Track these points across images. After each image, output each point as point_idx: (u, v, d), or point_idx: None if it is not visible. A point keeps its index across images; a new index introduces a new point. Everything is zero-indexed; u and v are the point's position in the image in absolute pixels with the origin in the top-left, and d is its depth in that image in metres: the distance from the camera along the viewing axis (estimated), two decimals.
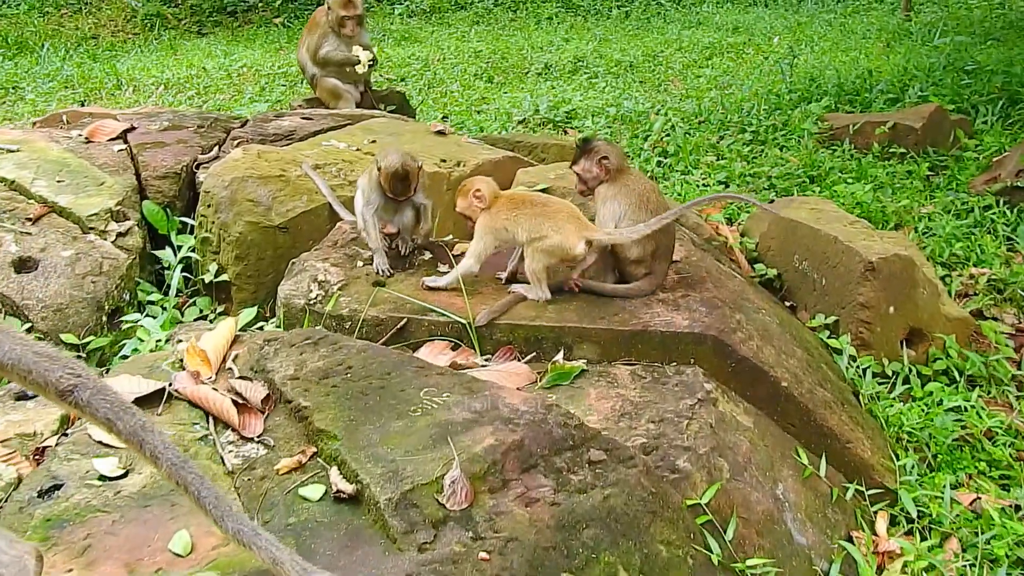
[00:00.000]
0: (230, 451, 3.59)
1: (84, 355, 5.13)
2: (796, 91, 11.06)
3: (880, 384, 5.16)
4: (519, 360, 4.50)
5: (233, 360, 4.17)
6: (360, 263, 5.07)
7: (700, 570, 3.37)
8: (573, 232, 4.47)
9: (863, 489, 4.32)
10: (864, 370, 5.19)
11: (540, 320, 4.53)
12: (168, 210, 6.20)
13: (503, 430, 3.49)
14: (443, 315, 4.57)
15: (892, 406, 4.95)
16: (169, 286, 5.76)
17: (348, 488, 3.26)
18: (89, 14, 16.93)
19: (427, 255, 5.16)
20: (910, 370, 5.28)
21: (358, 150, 6.44)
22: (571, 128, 10.55)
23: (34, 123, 7.83)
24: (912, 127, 8.84)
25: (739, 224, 6.86)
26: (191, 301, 5.81)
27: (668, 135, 9.96)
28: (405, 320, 4.63)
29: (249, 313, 4.95)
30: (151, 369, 4.11)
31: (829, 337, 5.46)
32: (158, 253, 5.92)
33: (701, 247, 5.64)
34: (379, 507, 3.13)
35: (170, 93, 12.66)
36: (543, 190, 5.90)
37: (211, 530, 3.06)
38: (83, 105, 11.53)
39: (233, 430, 3.69)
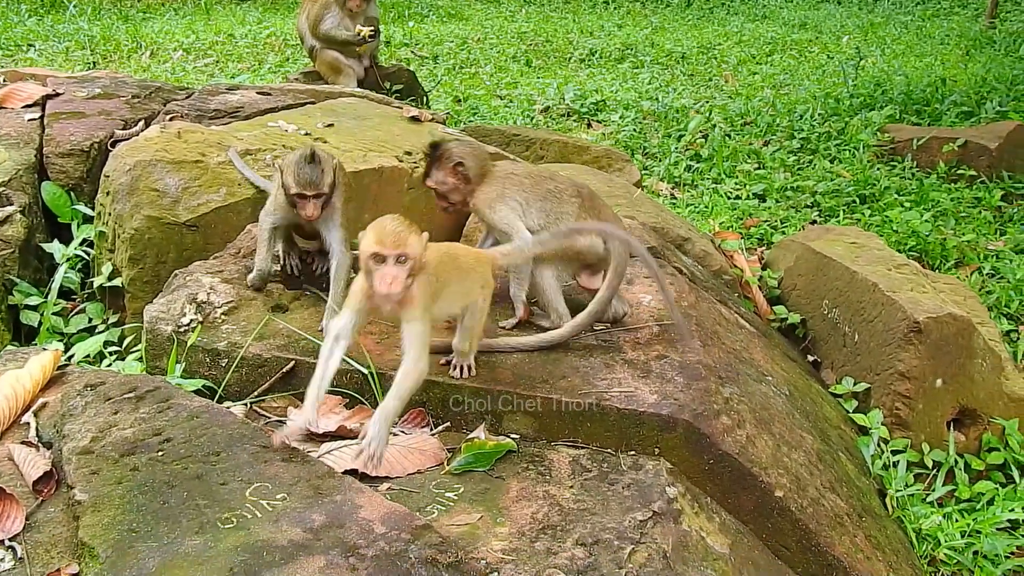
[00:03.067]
0: None
1: None
2: (858, 96, 9.82)
3: (915, 478, 3.97)
4: (430, 429, 3.40)
5: (36, 411, 3.13)
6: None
7: None
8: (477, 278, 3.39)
9: None
10: (896, 461, 4.00)
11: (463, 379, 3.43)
12: (72, 194, 5.19)
13: (339, 566, 2.39)
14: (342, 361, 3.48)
15: (928, 515, 3.76)
16: (51, 289, 4.74)
17: None
18: None
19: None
20: (956, 461, 4.10)
21: (307, 134, 5.36)
22: (597, 121, 9.40)
23: None
24: (986, 146, 7.55)
25: (761, 252, 5.66)
26: (80, 308, 4.80)
27: (705, 136, 8.77)
28: (293, 363, 3.57)
29: (94, 343, 3.92)
30: None
31: (856, 410, 4.28)
32: (47, 247, 4.90)
33: (704, 284, 4.48)
34: None
35: (188, 59, 11.78)
36: None
37: None
38: (93, 67, 10.69)
39: None
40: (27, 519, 2.65)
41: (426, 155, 3.91)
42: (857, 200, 7.28)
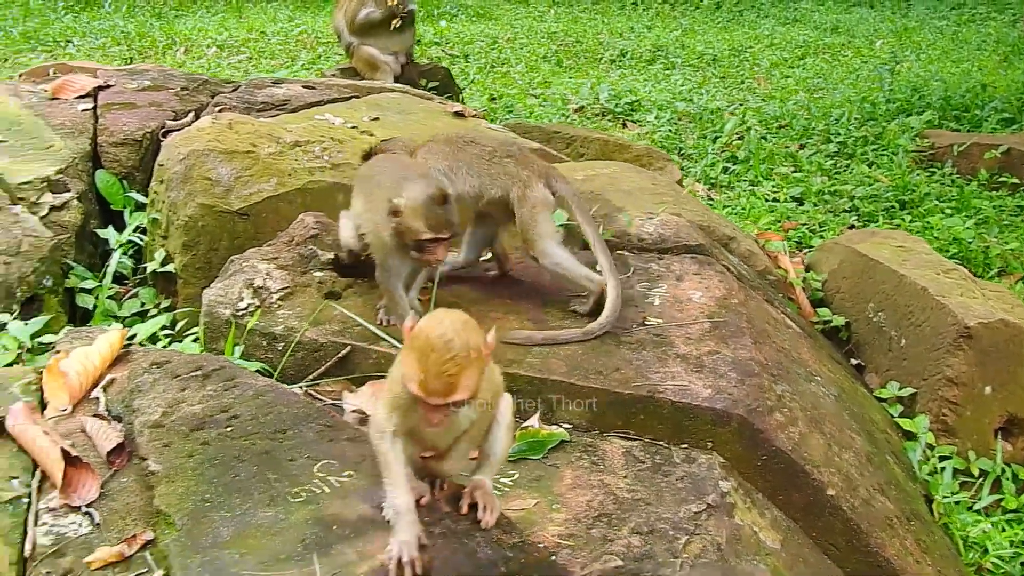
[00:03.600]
0: (43, 524, 2.61)
1: None
2: (895, 101, 9.79)
3: (961, 486, 3.98)
4: None
5: (105, 386, 3.20)
6: (316, 270, 4.08)
7: None
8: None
9: None
10: (942, 468, 4.00)
11: (516, 367, 3.47)
12: (125, 183, 5.28)
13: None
14: (398, 346, 3.54)
15: (976, 524, 3.77)
16: (107, 273, 4.82)
17: None
18: None
19: None
20: (1003, 470, 4.09)
21: (354, 127, 5.43)
22: (632, 121, 9.42)
23: (20, 75, 6.98)
24: None
25: (804, 255, 5.67)
26: (133, 292, 4.88)
27: (741, 138, 8.78)
28: (349, 348, 3.62)
29: (154, 324, 3.99)
30: None
31: (902, 415, 4.29)
32: (102, 233, 4.99)
33: (751, 283, 4.50)
34: None
35: (223, 55, 11.89)
36: None
37: None
38: (131, 62, 10.81)
39: (59, 493, 2.71)
40: (101, 488, 2.72)
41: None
42: (897, 205, 7.26)
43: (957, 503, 3.88)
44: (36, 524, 2.61)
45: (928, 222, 6.71)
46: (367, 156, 3.91)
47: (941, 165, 8.07)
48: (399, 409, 2.41)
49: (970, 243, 6.24)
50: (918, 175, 7.87)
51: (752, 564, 2.93)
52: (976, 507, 3.90)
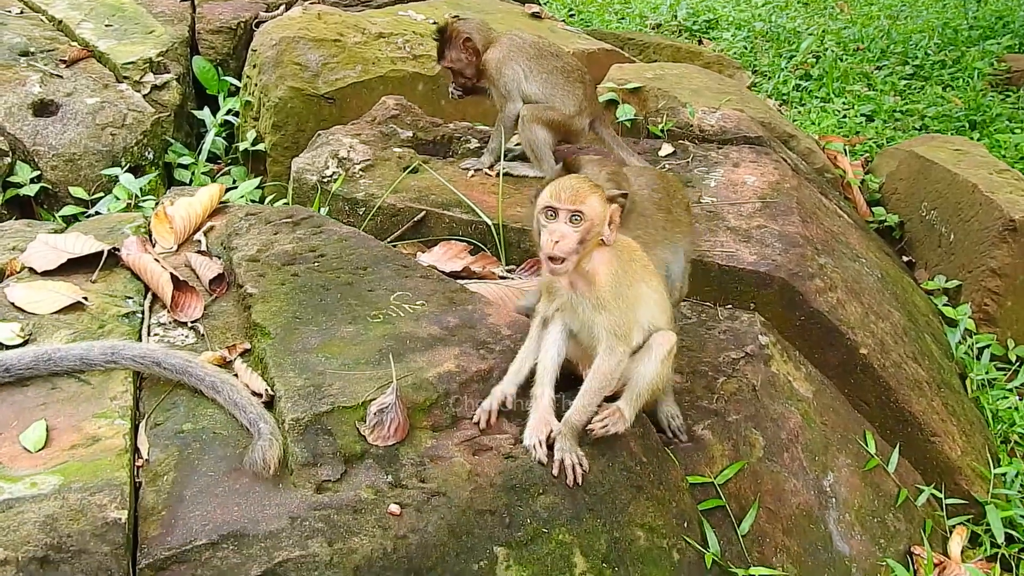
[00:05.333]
0: (155, 334, 3.00)
1: (92, 211, 4.66)
2: (978, 28, 9.65)
3: (998, 370, 4.17)
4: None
5: (206, 232, 3.57)
6: (396, 147, 4.39)
7: (687, 569, 2.60)
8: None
9: (941, 496, 3.42)
10: (981, 350, 4.20)
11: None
12: (220, 69, 5.64)
13: (471, 355, 2.78)
14: (470, 212, 3.86)
15: (1006, 398, 3.98)
16: (202, 150, 5.21)
17: (260, 386, 2.63)
18: None
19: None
20: None
21: (435, 23, 5.67)
22: (708, 39, 9.49)
23: None
24: None
25: (865, 158, 5.82)
26: (225, 169, 5.26)
27: (817, 58, 8.80)
28: (424, 212, 3.94)
29: (249, 185, 4.35)
30: (111, 230, 3.56)
31: (945, 304, 4.48)
32: (198, 113, 5.37)
33: (806, 176, 4.70)
34: (284, 427, 2.49)
35: None
36: (634, 90, 5.07)
37: (78, 426, 2.50)
38: None
39: (168, 311, 3.09)
40: (204, 309, 3.10)
41: (436, 39, 4.17)
42: (967, 125, 7.29)
43: (992, 383, 4.08)
44: (148, 335, 3.00)
45: (997, 140, 6.75)
46: (442, 31, 4.15)
47: (1016, 89, 8.02)
48: (547, 291, 2.66)
49: None
50: (992, 97, 7.85)
51: (784, 407, 3.22)
52: (1010, 387, 4.08)
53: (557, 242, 2.41)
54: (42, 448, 2.42)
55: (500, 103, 4.08)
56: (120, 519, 2.17)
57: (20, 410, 2.56)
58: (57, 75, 5.06)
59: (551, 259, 2.44)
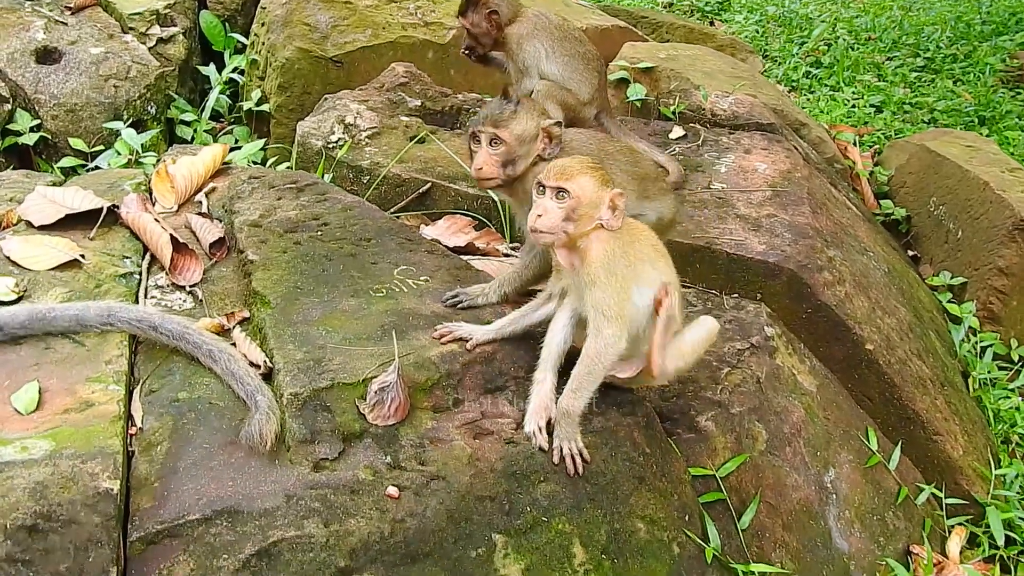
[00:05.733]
0: (152, 297, 2.94)
1: (91, 165, 4.57)
2: (991, 23, 9.57)
3: (1000, 370, 4.14)
4: None
5: (207, 193, 3.50)
6: (404, 115, 4.31)
7: (686, 563, 2.56)
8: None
9: (941, 495, 3.39)
10: (984, 348, 4.17)
11: None
12: (227, 25, 5.53)
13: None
14: (476, 186, 3.78)
15: (1008, 398, 3.95)
16: (206, 107, 5.12)
17: (259, 357, 2.57)
18: None
19: None
20: None
21: None
22: (720, 20, 9.39)
23: None
24: None
25: (875, 150, 5.75)
26: (228, 128, 5.18)
27: (828, 46, 8.72)
28: (429, 184, 3.87)
29: (253, 146, 4.27)
30: (111, 187, 3.48)
31: (950, 301, 4.44)
32: (203, 70, 5.27)
33: (816, 165, 4.64)
34: (283, 402, 2.43)
35: None
36: (646, 70, 4.99)
37: (72, 389, 2.44)
38: None
39: (166, 273, 3.03)
40: (203, 274, 3.03)
41: None
42: (976, 120, 7.23)
43: (994, 382, 4.05)
44: (145, 297, 2.94)
45: (1006, 136, 6.70)
46: None
47: None
48: (556, 270, 2.68)
49: None
50: (1002, 94, 7.79)
51: (788, 400, 3.17)
52: (1012, 387, 4.05)
53: (540, 215, 2.47)
54: (34, 411, 2.36)
55: (516, 77, 3.99)
56: (112, 489, 2.12)
57: (12, 370, 2.50)
58: (62, 22, 4.96)
59: (533, 231, 2.50)
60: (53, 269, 2.92)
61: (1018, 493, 3.55)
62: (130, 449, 2.32)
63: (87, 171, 4.32)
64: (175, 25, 5.21)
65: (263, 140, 4.62)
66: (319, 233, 3.15)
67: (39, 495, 2.07)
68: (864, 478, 3.25)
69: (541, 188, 2.51)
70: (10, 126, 4.58)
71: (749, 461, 2.94)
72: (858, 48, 8.75)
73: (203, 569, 2.08)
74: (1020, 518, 3.42)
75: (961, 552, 3.28)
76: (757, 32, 8.96)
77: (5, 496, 2.05)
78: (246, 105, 5.06)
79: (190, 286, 2.98)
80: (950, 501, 3.40)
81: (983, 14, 9.84)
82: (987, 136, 6.84)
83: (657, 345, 2.54)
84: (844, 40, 8.83)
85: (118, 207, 3.24)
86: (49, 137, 4.64)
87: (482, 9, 3.91)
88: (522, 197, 2.88)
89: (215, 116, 5.24)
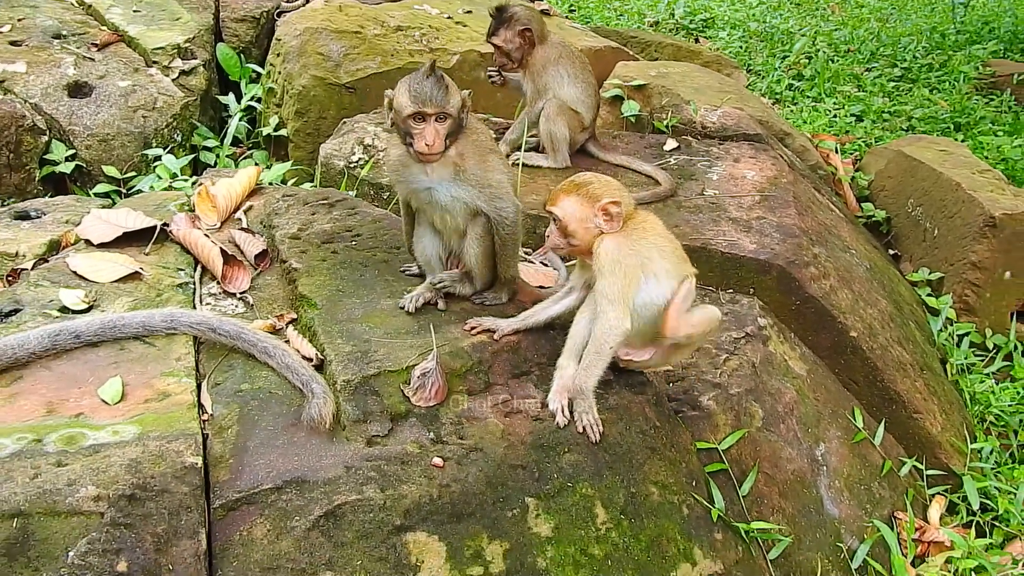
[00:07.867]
0: (207, 303, 3.26)
1: (123, 191, 4.90)
2: (965, 33, 9.99)
3: (976, 356, 4.48)
4: (563, 260, 4.02)
5: (245, 211, 3.83)
6: None
7: (695, 523, 2.89)
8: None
9: (922, 467, 3.73)
10: (960, 337, 4.51)
11: None
12: (243, 56, 5.87)
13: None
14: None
15: (983, 382, 4.28)
16: (227, 134, 5.45)
17: (310, 352, 2.90)
18: None
19: None
20: (1016, 347, 4.57)
21: (449, 18, 5.96)
22: (704, 37, 9.78)
23: None
24: None
25: (855, 156, 6.12)
26: (248, 153, 5.51)
27: (809, 59, 9.12)
28: None
29: (281, 168, 4.61)
30: (157, 207, 3.81)
31: (929, 295, 4.78)
32: (222, 99, 5.61)
33: (801, 172, 4.99)
34: (336, 388, 2.75)
35: None
36: (639, 87, 5.34)
37: (149, 383, 2.76)
38: None
39: (218, 282, 3.36)
40: (251, 282, 3.36)
41: (492, 15, 4.40)
42: (952, 127, 7.60)
43: (971, 368, 4.38)
44: (201, 303, 3.26)
45: (980, 141, 7.06)
46: (500, 10, 4.34)
47: (1000, 93, 8.34)
48: (579, 264, 3.04)
49: (1016, 160, 6.59)
50: (976, 100, 8.17)
51: (780, 382, 3.51)
52: (987, 371, 4.38)
53: (548, 236, 2.92)
54: (119, 401, 2.68)
55: (531, 98, 4.36)
56: (196, 464, 2.44)
57: (94, 368, 2.82)
58: (89, 58, 5.29)
59: (546, 248, 3.02)
60: (116, 281, 3.24)
61: (993, 465, 3.88)
62: (204, 432, 2.64)
63: (127, 195, 4.64)
64: (195, 58, 5.55)
65: (289, 162, 4.94)
66: (353, 243, 3.48)
67: (135, 469, 2.38)
68: (851, 452, 3.58)
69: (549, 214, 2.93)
70: (47, 156, 4.91)
71: (747, 436, 3.26)
72: (838, 60, 9.14)
73: (278, 530, 2.40)
74: (995, 487, 3.76)
75: (940, 518, 3.61)
76: (741, 48, 9.35)
77: (105, 471, 2.37)
78: (265, 131, 5.39)
79: (240, 293, 3.30)
80: (930, 472, 3.74)
81: (957, 24, 10.26)
82: (962, 141, 7.21)
83: (675, 307, 2.87)
84: (824, 53, 9.23)
85: (168, 225, 3.57)
86: (84, 165, 4.96)
87: (515, 26, 4.27)
88: None
89: (235, 142, 5.57)
